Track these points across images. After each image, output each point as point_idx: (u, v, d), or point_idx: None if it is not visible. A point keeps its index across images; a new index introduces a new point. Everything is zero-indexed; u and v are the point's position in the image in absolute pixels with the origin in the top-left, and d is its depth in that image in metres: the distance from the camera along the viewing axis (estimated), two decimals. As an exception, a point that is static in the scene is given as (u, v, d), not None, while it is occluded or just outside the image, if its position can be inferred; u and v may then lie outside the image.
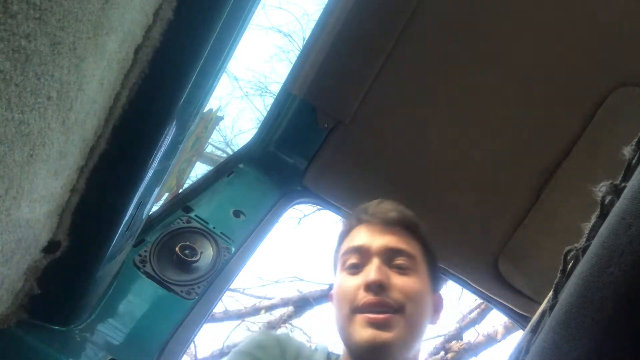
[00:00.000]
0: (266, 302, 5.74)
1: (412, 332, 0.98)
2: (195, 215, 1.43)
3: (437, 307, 1.11)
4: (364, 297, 0.98)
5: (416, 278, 1.03)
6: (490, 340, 5.17)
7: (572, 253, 0.47)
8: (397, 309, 0.97)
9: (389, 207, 1.11)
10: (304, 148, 1.66)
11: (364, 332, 0.95)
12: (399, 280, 1.00)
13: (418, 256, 1.07)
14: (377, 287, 0.97)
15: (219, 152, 6.71)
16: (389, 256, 1.03)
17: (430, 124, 1.57)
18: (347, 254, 1.07)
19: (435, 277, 1.12)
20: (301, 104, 1.61)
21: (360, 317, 0.97)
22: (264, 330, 1.09)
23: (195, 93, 0.91)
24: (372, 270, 0.99)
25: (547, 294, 0.49)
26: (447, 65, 1.51)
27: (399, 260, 1.03)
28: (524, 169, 1.55)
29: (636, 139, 0.44)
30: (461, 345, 4.99)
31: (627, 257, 0.37)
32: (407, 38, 1.48)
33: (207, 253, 1.37)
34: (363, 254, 1.05)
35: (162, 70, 0.79)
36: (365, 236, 1.07)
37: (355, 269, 1.05)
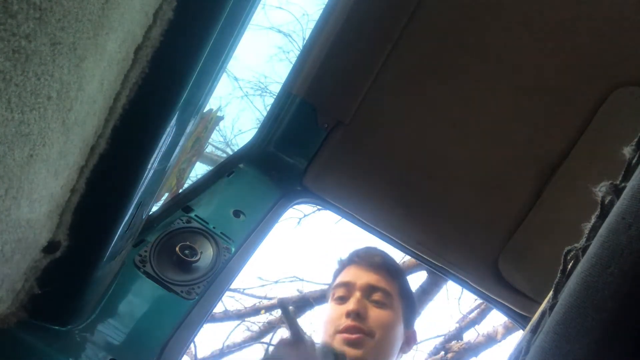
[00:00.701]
0: (266, 302, 5.74)
1: (379, 354, 1.21)
2: (195, 215, 1.43)
3: (410, 340, 1.34)
4: (345, 322, 1.22)
5: (389, 312, 1.25)
6: (490, 340, 5.17)
7: (572, 253, 0.47)
8: (369, 334, 1.20)
9: (375, 253, 1.37)
10: (304, 148, 1.66)
11: (340, 349, 1.17)
12: (373, 312, 1.24)
13: (394, 295, 1.29)
14: (355, 315, 1.22)
15: (219, 152, 6.72)
16: (368, 292, 1.27)
17: (430, 124, 1.56)
18: (336, 287, 1.33)
19: (410, 315, 1.34)
20: (301, 104, 1.61)
21: (339, 337, 1.21)
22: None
23: (195, 93, 0.91)
24: (353, 302, 1.24)
25: (547, 294, 0.49)
26: (447, 65, 1.51)
27: (376, 296, 1.26)
28: (524, 169, 1.55)
29: (636, 139, 0.44)
30: (461, 345, 4.99)
31: (627, 257, 0.37)
32: (407, 38, 1.48)
33: (207, 253, 1.37)
34: (349, 288, 1.30)
35: (162, 70, 0.79)
36: (353, 274, 1.32)
37: (341, 300, 1.29)
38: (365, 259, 1.34)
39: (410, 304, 1.37)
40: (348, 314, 1.22)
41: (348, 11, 1.47)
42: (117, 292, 1.22)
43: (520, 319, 1.69)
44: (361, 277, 1.30)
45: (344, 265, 1.39)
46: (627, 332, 0.37)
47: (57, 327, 1.05)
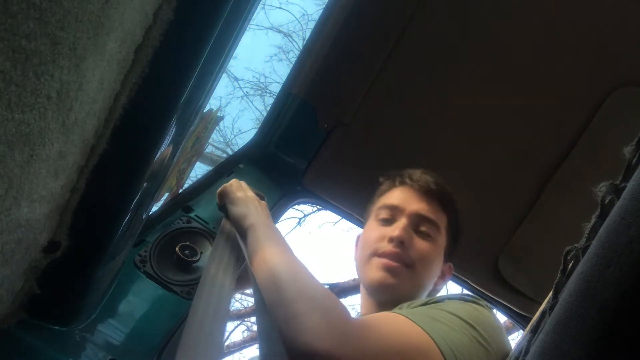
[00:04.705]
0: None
1: (417, 288, 1.14)
2: (196, 215, 1.43)
3: (445, 274, 1.25)
4: (385, 246, 1.13)
5: (433, 245, 1.16)
6: (490, 340, 5.14)
7: (572, 253, 0.47)
8: (409, 265, 1.11)
9: (430, 179, 1.23)
10: (304, 148, 1.66)
11: (377, 273, 1.11)
12: (418, 244, 1.14)
13: (442, 227, 1.20)
14: (399, 243, 1.12)
15: (219, 152, 6.72)
16: (416, 221, 1.17)
17: (430, 124, 1.57)
18: (383, 209, 1.22)
19: (452, 249, 1.25)
20: (301, 104, 1.61)
21: (377, 260, 1.13)
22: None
23: (195, 93, 0.91)
24: (398, 228, 1.14)
25: (547, 294, 0.49)
26: (447, 65, 1.51)
27: (424, 227, 1.17)
28: (524, 169, 1.55)
29: (636, 139, 0.44)
30: (461, 345, 4.99)
31: (627, 257, 0.37)
32: (407, 38, 1.48)
33: (207, 253, 1.36)
34: (396, 212, 1.19)
35: (162, 70, 0.79)
36: (403, 198, 1.21)
37: (385, 222, 1.19)
38: (420, 183, 1.20)
39: (455, 238, 1.26)
40: (392, 240, 1.12)
41: (348, 11, 1.47)
42: (117, 292, 1.22)
43: (520, 319, 1.69)
44: (411, 203, 1.18)
45: (393, 185, 1.26)
46: (627, 332, 0.37)
47: (57, 327, 1.05)
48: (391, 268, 1.10)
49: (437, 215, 1.19)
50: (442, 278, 1.24)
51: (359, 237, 1.32)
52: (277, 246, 0.99)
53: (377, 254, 1.13)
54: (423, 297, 1.16)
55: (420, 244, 1.14)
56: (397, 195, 1.22)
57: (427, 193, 1.20)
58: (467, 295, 0.98)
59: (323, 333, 0.70)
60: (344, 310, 0.77)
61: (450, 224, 1.23)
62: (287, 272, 0.87)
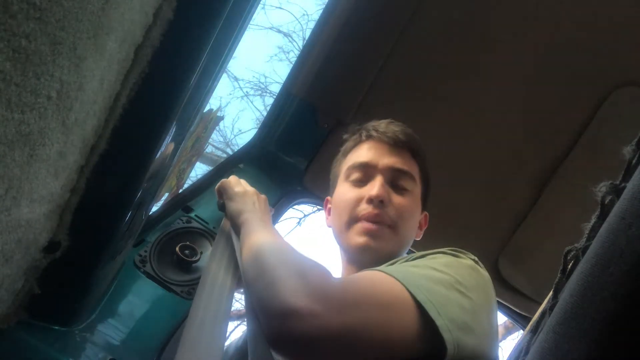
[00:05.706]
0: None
1: (400, 245, 1.10)
2: (196, 215, 1.43)
3: (422, 224, 1.23)
4: (365, 209, 1.08)
5: (411, 198, 1.13)
6: (490, 340, 5.13)
7: (572, 253, 0.47)
8: (391, 225, 1.07)
9: (397, 129, 1.17)
10: (304, 148, 1.66)
11: (359, 239, 1.07)
12: (397, 199, 1.10)
13: (416, 177, 1.16)
14: (378, 202, 1.07)
15: (219, 152, 6.73)
16: (392, 176, 1.12)
17: (430, 124, 1.57)
18: (353, 168, 1.15)
19: (427, 196, 1.21)
20: (301, 104, 1.61)
21: (358, 225, 1.08)
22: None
23: (195, 93, 0.91)
24: (376, 187, 1.08)
25: (547, 294, 0.49)
26: (447, 65, 1.51)
27: (400, 181, 1.12)
28: (524, 169, 1.55)
29: (636, 139, 0.44)
30: (461, 345, 4.98)
31: (627, 257, 0.37)
32: (408, 38, 1.48)
33: (207, 253, 1.36)
34: (368, 170, 1.13)
35: (162, 70, 0.79)
36: (373, 154, 1.14)
37: (359, 182, 1.14)
38: (388, 135, 1.14)
39: (428, 186, 1.21)
40: (370, 200, 1.06)
41: (348, 11, 1.47)
42: (117, 292, 1.22)
43: (520, 319, 1.69)
44: (383, 157, 1.12)
45: (360, 140, 1.19)
46: (627, 332, 0.37)
47: (57, 327, 1.05)
48: (372, 232, 1.05)
49: (410, 166, 1.15)
50: (420, 229, 1.21)
51: (328, 201, 1.27)
52: (265, 232, 0.97)
53: (357, 218, 1.08)
54: (404, 253, 1.13)
55: (399, 200, 1.10)
56: (367, 151, 1.15)
57: (396, 144, 1.14)
58: (451, 249, 0.95)
59: (301, 292, 0.68)
60: (324, 272, 0.75)
61: (422, 172, 1.19)
62: (269, 247, 0.86)
